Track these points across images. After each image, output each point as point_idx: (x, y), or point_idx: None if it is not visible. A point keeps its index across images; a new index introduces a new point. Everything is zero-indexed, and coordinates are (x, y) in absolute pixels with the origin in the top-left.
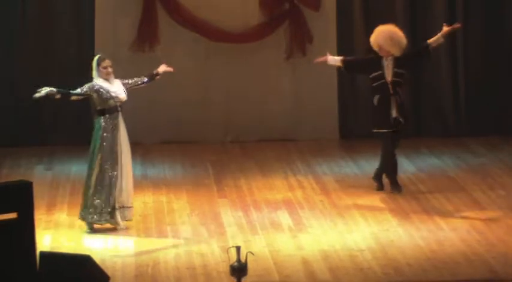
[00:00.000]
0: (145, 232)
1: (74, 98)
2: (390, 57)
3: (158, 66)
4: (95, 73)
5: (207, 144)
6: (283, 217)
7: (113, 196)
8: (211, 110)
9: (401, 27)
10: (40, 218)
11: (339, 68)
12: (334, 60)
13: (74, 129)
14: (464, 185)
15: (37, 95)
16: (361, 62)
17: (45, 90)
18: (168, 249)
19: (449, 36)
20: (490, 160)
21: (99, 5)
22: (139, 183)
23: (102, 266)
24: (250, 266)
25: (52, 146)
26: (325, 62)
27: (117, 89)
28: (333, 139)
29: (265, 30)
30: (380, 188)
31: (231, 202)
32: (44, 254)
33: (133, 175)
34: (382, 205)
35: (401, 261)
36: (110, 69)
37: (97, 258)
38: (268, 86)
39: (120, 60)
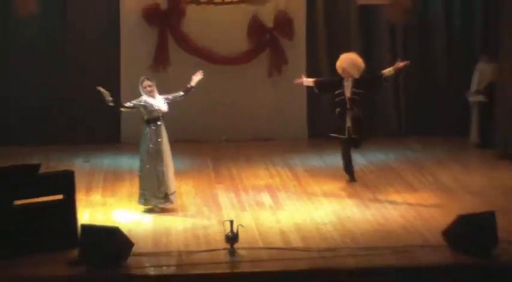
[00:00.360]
0: (161, 210)
1: (123, 109)
2: (350, 79)
3: (170, 83)
4: (141, 91)
5: (207, 143)
6: (265, 198)
7: (164, 185)
8: (211, 117)
9: (356, 48)
10: (80, 198)
11: (311, 87)
12: (308, 81)
13: (107, 130)
14: (403, 174)
15: (101, 89)
16: (328, 82)
17: (107, 93)
18: (178, 223)
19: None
20: (424, 155)
21: (124, 35)
22: None
23: (128, 235)
24: (240, 235)
25: (88, 144)
26: (301, 83)
27: (159, 103)
28: (303, 138)
29: (252, 55)
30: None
31: (226, 187)
32: (83, 226)
33: None
34: (340, 189)
35: (356, 232)
36: (149, 88)
37: (124, 229)
38: (254, 98)
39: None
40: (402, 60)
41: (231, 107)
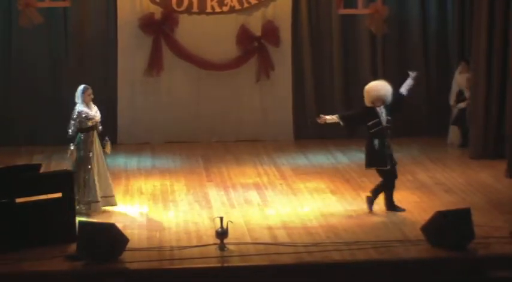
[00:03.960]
0: (154, 206)
1: (72, 134)
2: (382, 106)
3: (163, 87)
4: (79, 98)
5: (198, 143)
6: (253, 195)
7: (90, 192)
8: (202, 118)
9: (337, 54)
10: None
11: (298, 92)
12: (331, 118)
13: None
14: None
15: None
16: (355, 115)
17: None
18: (171, 219)
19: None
20: (402, 154)
21: (121, 43)
22: (150, 172)
23: (123, 231)
24: (230, 231)
25: None
26: (324, 121)
27: (94, 112)
28: (289, 139)
29: (241, 61)
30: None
31: (216, 185)
32: (81, 223)
33: (145, 166)
34: (324, 187)
35: (339, 227)
36: (91, 96)
37: (119, 225)
38: (243, 101)
39: (136, 82)
40: (412, 71)
41: (221, 110)
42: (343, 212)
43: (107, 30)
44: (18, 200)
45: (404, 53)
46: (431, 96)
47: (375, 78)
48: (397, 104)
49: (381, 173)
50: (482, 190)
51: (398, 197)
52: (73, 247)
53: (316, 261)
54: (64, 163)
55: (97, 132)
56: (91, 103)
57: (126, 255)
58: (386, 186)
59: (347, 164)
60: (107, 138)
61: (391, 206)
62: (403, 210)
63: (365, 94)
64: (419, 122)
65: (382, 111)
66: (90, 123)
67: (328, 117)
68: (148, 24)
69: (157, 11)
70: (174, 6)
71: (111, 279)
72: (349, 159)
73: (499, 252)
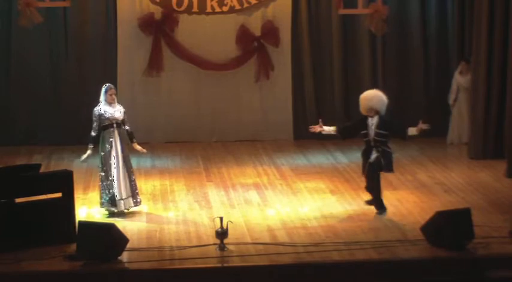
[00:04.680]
0: (154, 206)
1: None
2: (376, 117)
3: (163, 87)
4: (102, 97)
5: (198, 143)
6: (253, 195)
7: (110, 190)
8: (201, 118)
9: (337, 54)
10: (78, 196)
11: (298, 93)
12: (328, 129)
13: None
14: (383, 172)
15: (83, 158)
16: (351, 127)
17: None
18: (170, 218)
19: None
20: (401, 154)
21: (121, 43)
22: (150, 172)
23: (123, 231)
24: (229, 231)
25: (86, 145)
26: (319, 131)
27: (115, 111)
28: (289, 139)
29: (240, 61)
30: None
31: (216, 185)
32: (81, 223)
33: (145, 166)
34: (324, 187)
35: (339, 227)
36: (113, 96)
37: (119, 225)
38: (242, 101)
39: (136, 82)
40: (424, 122)
41: (220, 110)
42: (342, 212)
43: (106, 30)
44: (18, 200)
45: (404, 53)
46: (431, 95)
47: (375, 77)
48: (396, 129)
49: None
50: (482, 190)
51: (398, 197)
52: (73, 247)
53: (315, 262)
54: (63, 163)
55: (118, 132)
56: (115, 102)
57: (125, 256)
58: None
59: (347, 164)
60: (135, 140)
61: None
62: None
63: (360, 103)
64: (418, 122)
65: (373, 122)
66: (107, 122)
67: (325, 127)
68: (148, 24)
69: (157, 11)
70: (174, 6)
71: (110, 280)
72: (349, 160)
73: (499, 252)
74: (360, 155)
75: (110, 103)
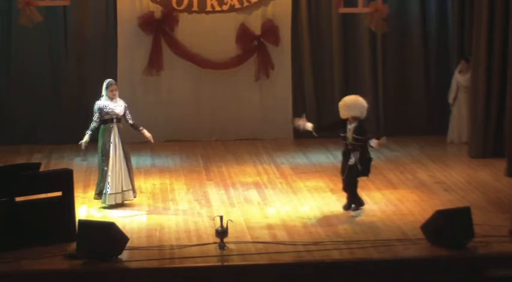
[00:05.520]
0: (154, 205)
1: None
2: (354, 123)
3: (163, 86)
4: (104, 92)
5: (198, 142)
6: (253, 194)
7: (102, 183)
8: (201, 117)
9: (337, 53)
10: (78, 195)
11: (298, 95)
12: (307, 126)
13: None
14: (382, 171)
15: (83, 144)
16: (328, 127)
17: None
18: (170, 217)
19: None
20: (401, 153)
21: (121, 42)
22: (149, 171)
23: (123, 230)
24: (229, 230)
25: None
26: (300, 125)
27: (116, 106)
28: (289, 138)
29: (240, 60)
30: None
31: (216, 183)
32: (81, 222)
33: (145, 165)
34: (324, 186)
35: (339, 226)
36: (114, 92)
37: (119, 224)
38: (242, 100)
39: (136, 81)
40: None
41: (220, 109)
42: (342, 211)
43: (106, 29)
44: (18, 199)
45: (404, 52)
46: (431, 95)
47: (375, 76)
48: (362, 136)
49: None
50: (482, 189)
51: (398, 196)
52: (73, 246)
53: (315, 260)
54: (63, 162)
55: (117, 127)
56: (116, 97)
57: (125, 254)
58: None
59: None
60: (141, 127)
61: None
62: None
63: (339, 108)
64: (418, 121)
65: (350, 127)
66: (107, 117)
67: (306, 123)
68: (148, 23)
69: (157, 10)
70: (174, 5)
71: (111, 278)
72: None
73: (499, 251)
74: (341, 154)
75: (111, 98)
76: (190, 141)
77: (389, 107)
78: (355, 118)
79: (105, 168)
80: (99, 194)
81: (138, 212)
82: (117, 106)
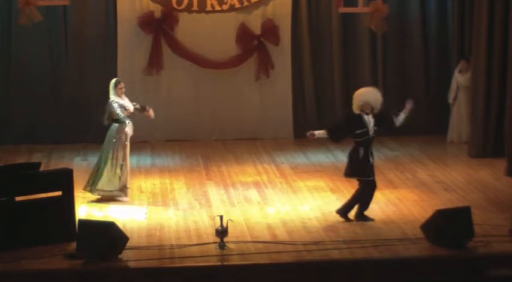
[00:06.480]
0: (154, 205)
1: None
2: (371, 115)
3: (163, 85)
4: (112, 91)
5: (198, 141)
6: (253, 194)
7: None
8: (201, 117)
9: (337, 53)
10: (78, 195)
11: (298, 92)
12: (319, 133)
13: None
14: (382, 170)
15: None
16: (343, 126)
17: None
18: (170, 217)
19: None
20: (401, 153)
21: (121, 41)
22: (150, 170)
23: (123, 230)
24: (229, 229)
25: (86, 143)
26: (313, 137)
27: (127, 103)
28: (289, 138)
29: (240, 59)
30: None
31: (216, 183)
32: (81, 221)
33: (145, 164)
34: (324, 185)
35: (339, 225)
36: (122, 90)
37: (119, 224)
38: (242, 100)
39: (136, 80)
40: (410, 100)
41: (220, 109)
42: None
43: (106, 29)
44: (18, 199)
45: (404, 52)
46: (431, 94)
47: (375, 76)
48: (384, 123)
49: (363, 182)
50: (482, 188)
51: (398, 196)
52: (73, 246)
53: (315, 260)
54: (64, 161)
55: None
56: (123, 95)
57: (126, 254)
58: (366, 196)
59: (346, 162)
60: (147, 107)
61: (360, 216)
62: (372, 220)
63: (353, 100)
64: (419, 120)
65: (370, 120)
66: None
67: (316, 132)
68: (148, 23)
69: (157, 10)
70: (174, 4)
71: (111, 278)
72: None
73: (499, 251)
74: (360, 156)
75: (119, 96)
76: (190, 141)
77: (389, 107)
78: (371, 109)
79: (122, 163)
80: (121, 190)
81: (138, 212)
82: (127, 102)
